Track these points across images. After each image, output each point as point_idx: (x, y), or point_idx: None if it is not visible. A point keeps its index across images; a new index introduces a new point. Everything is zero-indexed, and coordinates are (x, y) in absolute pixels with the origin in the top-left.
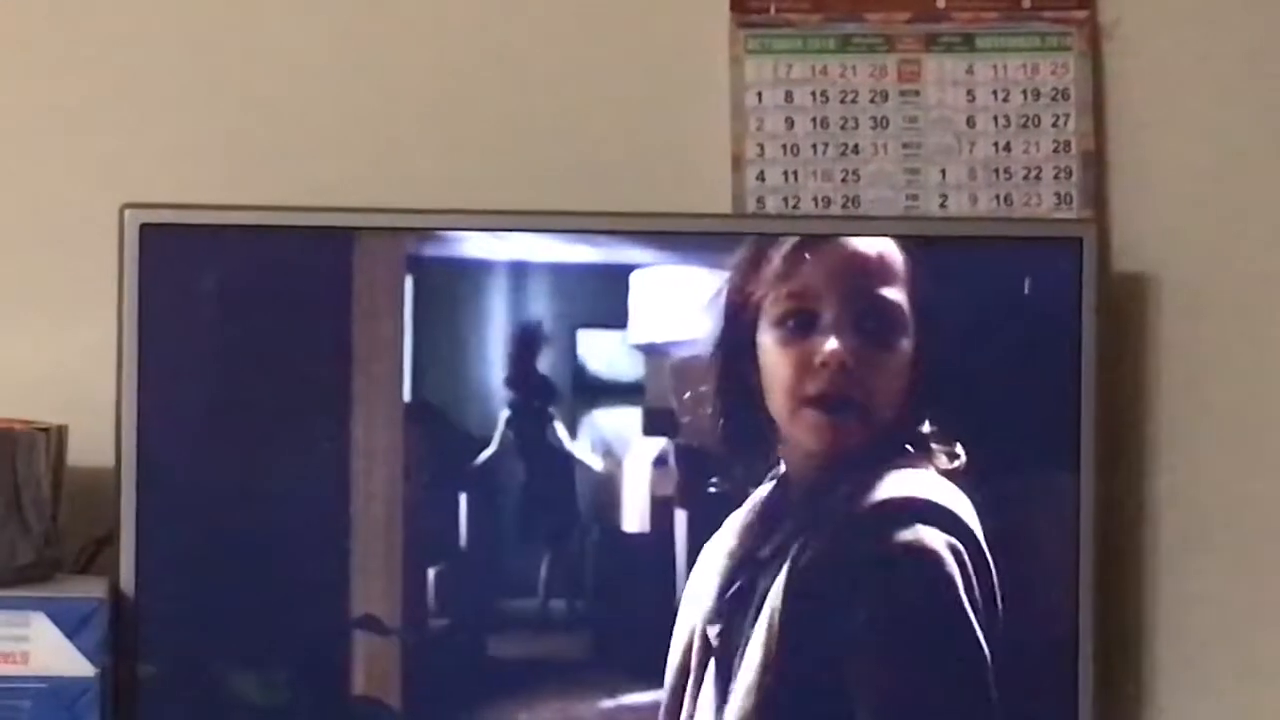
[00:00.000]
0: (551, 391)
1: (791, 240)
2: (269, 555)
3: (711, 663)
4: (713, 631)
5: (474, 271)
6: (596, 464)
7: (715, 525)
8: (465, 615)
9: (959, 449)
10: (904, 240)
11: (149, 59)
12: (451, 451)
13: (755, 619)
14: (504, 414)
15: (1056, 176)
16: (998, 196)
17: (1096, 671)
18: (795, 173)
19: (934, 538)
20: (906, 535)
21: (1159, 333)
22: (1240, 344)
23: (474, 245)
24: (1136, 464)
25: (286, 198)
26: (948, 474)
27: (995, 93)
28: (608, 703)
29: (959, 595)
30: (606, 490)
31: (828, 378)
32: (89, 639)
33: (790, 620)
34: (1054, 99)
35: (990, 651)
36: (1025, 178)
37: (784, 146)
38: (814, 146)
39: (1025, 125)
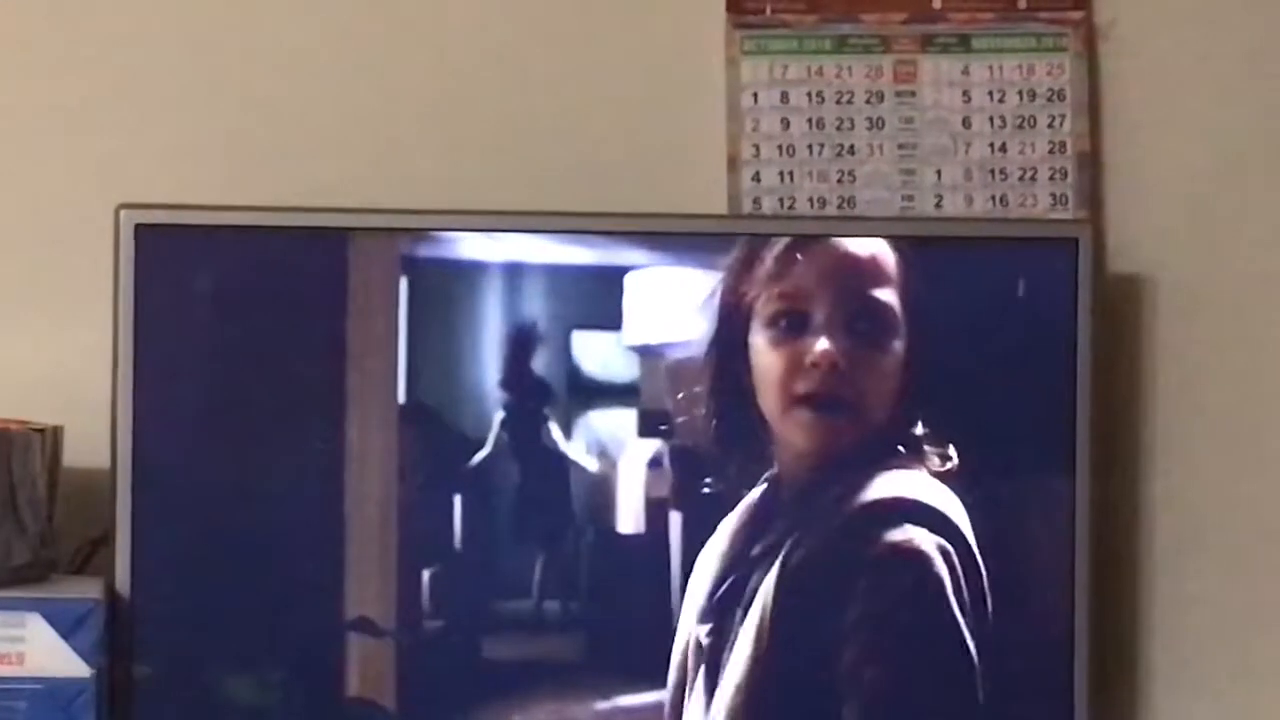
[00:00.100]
0: (546, 393)
1: (783, 241)
2: (264, 556)
3: (702, 662)
4: (703, 631)
5: (468, 272)
6: (591, 465)
7: (710, 526)
8: (460, 616)
9: (952, 450)
10: (899, 241)
11: (147, 59)
12: (446, 453)
13: (745, 618)
14: (499, 415)
15: (1052, 177)
16: (993, 197)
17: (1092, 673)
18: (791, 173)
19: (923, 538)
20: (895, 535)
21: (1154, 334)
22: (1236, 345)
23: (468, 246)
24: (1132, 466)
25: (286, 198)
26: (940, 475)
27: (991, 93)
28: (602, 704)
29: (947, 596)
30: (601, 491)
31: (818, 378)
32: (84, 640)
33: (779, 619)
34: (1050, 100)
35: (981, 652)
36: (1021, 178)
37: (780, 147)
38: (810, 147)
39: (1021, 126)
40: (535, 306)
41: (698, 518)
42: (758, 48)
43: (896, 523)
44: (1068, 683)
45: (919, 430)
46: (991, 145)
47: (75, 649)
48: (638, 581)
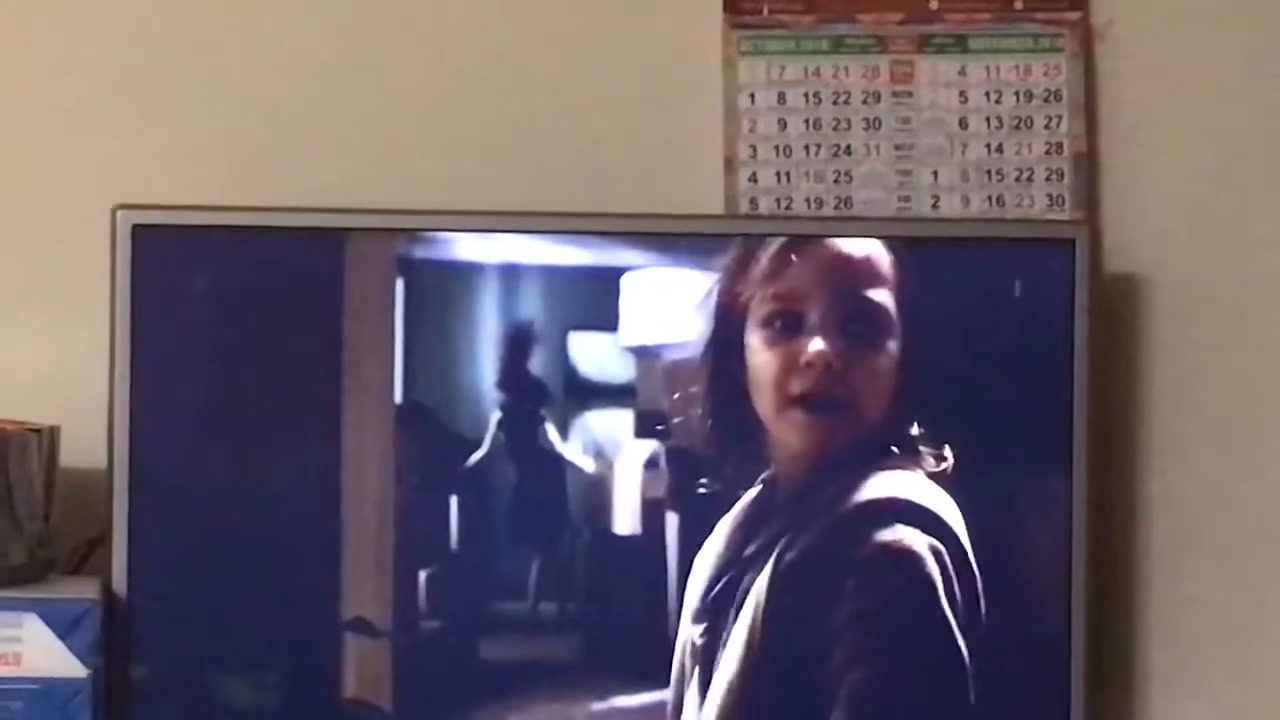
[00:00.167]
0: (543, 393)
1: (778, 241)
2: (261, 556)
3: (698, 663)
4: (698, 632)
5: (465, 273)
6: (588, 466)
7: (706, 527)
8: (456, 617)
9: (947, 451)
10: (896, 241)
11: (145, 60)
12: (443, 453)
13: (738, 617)
14: (495, 416)
15: (1049, 178)
16: (990, 198)
17: (1088, 673)
18: (788, 174)
19: (914, 538)
20: (886, 535)
21: (1151, 335)
22: (1232, 346)
23: (465, 247)
24: (1128, 466)
25: (285, 198)
26: (935, 476)
27: (988, 94)
28: (599, 705)
29: (938, 596)
30: (597, 492)
31: (813, 378)
32: (81, 640)
33: (770, 620)
34: (1046, 100)
35: (976, 652)
36: (1018, 179)
37: (777, 148)
38: (806, 148)
39: (1018, 127)
40: (531, 307)
41: (694, 518)
42: (755, 48)
43: (888, 523)
44: (1064, 682)
45: (915, 431)
46: (988, 146)
47: (72, 649)
48: (634, 582)
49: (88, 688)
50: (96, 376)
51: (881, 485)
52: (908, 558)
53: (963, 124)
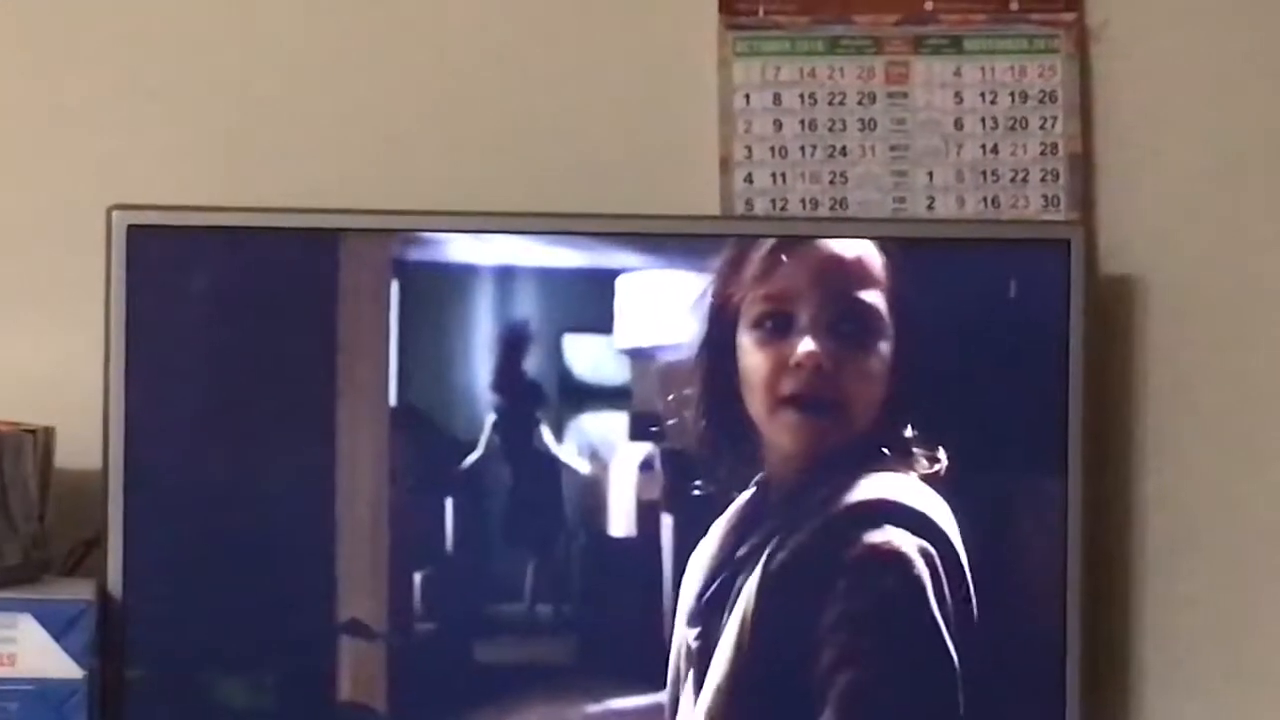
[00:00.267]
0: (537, 395)
1: (769, 242)
2: (256, 558)
3: (692, 665)
4: (692, 634)
5: (460, 274)
6: (582, 468)
7: (701, 529)
8: (451, 620)
9: (941, 453)
10: (891, 242)
11: (143, 60)
12: (437, 455)
13: (729, 619)
14: (490, 418)
15: (1044, 179)
16: (985, 199)
17: (1084, 673)
18: (783, 175)
19: (903, 540)
20: (876, 537)
21: (1146, 335)
22: (1228, 346)
23: (459, 248)
24: (1124, 467)
25: (283, 199)
26: (928, 478)
27: (983, 95)
28: (594, 707)
29: (927, 598)
30: (592, 494)
31: (804, 379)
32: (76, 641)
33: (761, 619)
34: (1041, 101)
35: (969, 653)
36: (1013, 180)
37: (772, 149)
38: (802, 149)
39: (1013, 127)
40: (526, 309)
41: (689, 520)
42: (750, 49)
43: (877, 524)
44: (1060, 683)
45: (909, 432)
46: (983, 147)
47: (67, 650)
48: (629, 584)
49: (83, 689)
50: (92, 377)
51: (872, 487)
52: (896, 559)
53: (958, 125)
